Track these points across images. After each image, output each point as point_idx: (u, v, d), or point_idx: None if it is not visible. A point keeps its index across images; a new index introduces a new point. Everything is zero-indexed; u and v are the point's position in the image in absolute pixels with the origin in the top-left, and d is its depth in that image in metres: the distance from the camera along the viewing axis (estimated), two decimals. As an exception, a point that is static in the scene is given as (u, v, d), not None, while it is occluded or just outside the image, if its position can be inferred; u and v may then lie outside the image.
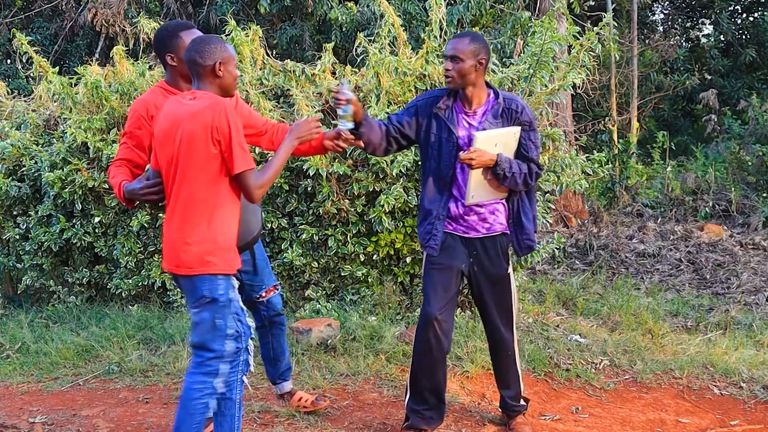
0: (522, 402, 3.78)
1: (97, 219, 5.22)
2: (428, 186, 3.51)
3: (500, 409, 3.83)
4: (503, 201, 3.55)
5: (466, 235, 3.51)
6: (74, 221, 5.32)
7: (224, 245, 2.94)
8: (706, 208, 9.19)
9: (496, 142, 3.39)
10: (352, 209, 4.96)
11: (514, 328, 3.68)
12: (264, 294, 3.59)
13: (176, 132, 2.88)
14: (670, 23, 15.52)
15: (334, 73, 5.59)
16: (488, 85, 3.51)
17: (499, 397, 3.79)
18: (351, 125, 3.35)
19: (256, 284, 3.56)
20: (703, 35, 15.27)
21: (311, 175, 4.84)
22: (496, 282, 3.55)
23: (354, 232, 4.99)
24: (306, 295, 5.14)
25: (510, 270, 3.61)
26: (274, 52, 6.49)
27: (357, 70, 5.55)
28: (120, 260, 5.24)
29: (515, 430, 3.72)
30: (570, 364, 4.57)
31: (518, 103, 3.50)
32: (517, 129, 3.46)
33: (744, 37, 14.35)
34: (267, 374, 3.84)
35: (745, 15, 14.93)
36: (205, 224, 2.90)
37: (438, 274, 3.50)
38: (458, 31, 7.75)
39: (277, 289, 3.69)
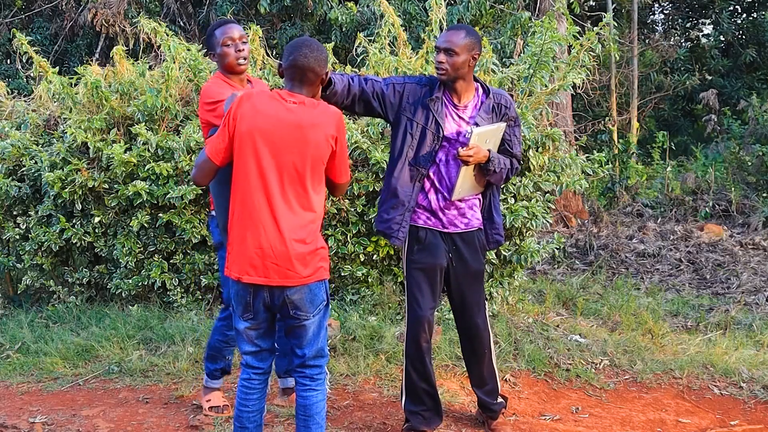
0: (500, 399, 3.76)
1: (97, 219, 5.22)
2: (401, 173, 3.41)
3: (479, 409, 3.80)
4: (479, 196, 3.56)
5: (445, 230, 3.49)
6: (74, 221, 5.32)
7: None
8: (706, 208, 9.19)
9: (487, 138, 3.40)
10: (352, 209, 4.96)
11: (489, 323, 3.68)
12: None
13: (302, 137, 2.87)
14: (670, 23, 15.52)
15: (334, 73, 5.59)
16: (475, 79, 3.50)
17: (476, 398, 3.76)
18: None
19: None
20: (703, 35, 15.26)
21: (311, 175, 4.84)
22: (474, 277, 3.56)
23: (354, 232, 4.99)
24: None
25: (484, 265, 3.64)
26: (274, 52, 6.49)
27: (357, 70, 5.55)
28: (120, 260, 5.24)
29: (496, 431, 3.71)
30: (570, 364, 4.57)
31: (507, 98, 3.51)
32: (503, 125, 3.47)
33: (744, 37, 14.34)
34: (275, 366, 3.85)
35: (745, 15, 14.93)
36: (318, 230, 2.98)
37: (422, 274, 3.49)
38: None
39: None
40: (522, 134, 4.50)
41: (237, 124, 2.87)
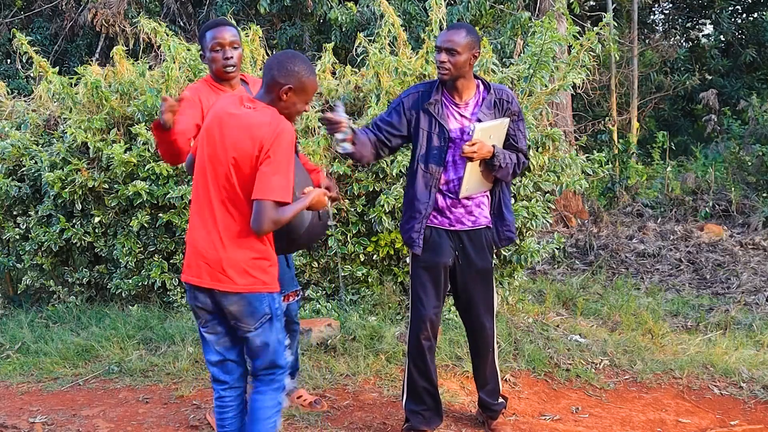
0: (500, 399, 3.76)
1: (97, 219, 5.22)
2: (417, 183, 3.44)
3: (479, 409, 3.80)
4: (488, 193, 3.55)
5: (452, 228, 3.48)
6: (74, 221, 5.32)
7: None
8: (706, 208, 9.20)
9: (491, 133, 3.39)
10: (352, 209, 4.96)
11: (495, 323, 3.66)
12: (282, 299, 3.53)
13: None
14: (670, 23, 15.52)
15: (334, 73, 5.60)
16: (475, 76, 3.50)
17: (478, 397, 3.77)
18: (351, 148, 3.27)
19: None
20: (703, 35, 15.27)
21: (311, 175, 4.84)
22: (481, 276, 3.53)
23: (354, 232, 4.99)
24: (306, 295, 5.14)
25: (493, 264, 3.61)
26: (274, 52, 6.48)
27: (357, 70, 5.55)
28: (120, 260, 5.24)
29: (496, 431, 3.72)
30: (570, 364, 4.57)
31: (508, 93, 3.50)
32: (507, 120, 3.46)
33: (744, 37, 14.34)
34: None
35: (745, 15, 14.93)
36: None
37: (427, 273, 3.49)
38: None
39: (298, 295, 3.64)
40: None
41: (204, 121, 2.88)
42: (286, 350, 2.89)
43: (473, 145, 3.30)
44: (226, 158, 2.70)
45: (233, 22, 3.60)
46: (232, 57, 3.40)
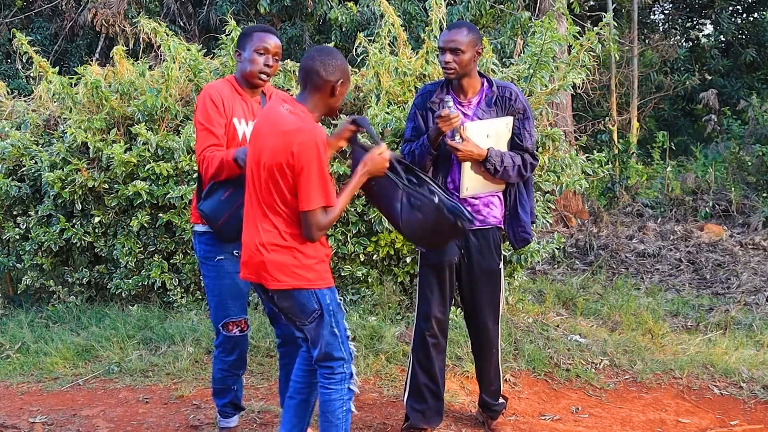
0: (501, 400, 3.76)
1: (97, 219, 5.22)
2: None
3: (479, 409, 3.80)
4: (499, 194, 3.52)
5: None
6: (74, 221, 5.32)
7: None
8: (706, 208, 9.20)
9: (487, 132, 3.36)
10: (352, 209, 4.96)
11: (500, 324, 3.66)
12: None
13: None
14: (670, 23, 15.52)
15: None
16: (480, 74, 3.50)
17: (479, 396, 3.77)
18: (462, 140, 3.31)
19: None
20: (703, 35, 15.27)
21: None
22: (487, 276, 3.52)
23: (354, 232, 4.99)
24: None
25: (501, 265, 3.59)
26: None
27: (357, 70, 5.55)
28: (120, 260, 5.24)
29: (496, 431, 3.71)
30: (570, 364, 4.57)
31: (512, 90, 3.47)
32: (509, 119, 3.43)
33: (744, 37, 14.35)
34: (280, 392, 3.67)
35: (745, 15, 14.94)
36: None
37: (432, 272, 3.48)
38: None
39: None
40: None
41: None
42: (348, 341, 2.95)
43: (457, 142, 3.29)
44: (265, 164, 2.78)
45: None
46: (271, 66, 3.28)
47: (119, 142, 5.10)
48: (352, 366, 2.96)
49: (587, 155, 5.39)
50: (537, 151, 5.06)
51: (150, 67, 5.62)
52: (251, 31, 3.32)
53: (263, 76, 3.28)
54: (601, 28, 5.28)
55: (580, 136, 10.24)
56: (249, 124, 3.28)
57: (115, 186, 5.10)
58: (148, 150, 5.04)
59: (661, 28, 15.60)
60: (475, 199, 3.46)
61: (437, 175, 3.43)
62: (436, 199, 2.92)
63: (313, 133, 2.73)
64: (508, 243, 3.67)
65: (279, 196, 2.78)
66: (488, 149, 3.34)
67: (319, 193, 2.74)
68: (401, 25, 5.59)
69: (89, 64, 5.75)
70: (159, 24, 5.55)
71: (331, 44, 5.70)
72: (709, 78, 13.15)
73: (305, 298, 2.85)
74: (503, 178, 3.41)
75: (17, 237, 5.47)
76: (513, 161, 3.40)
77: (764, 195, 9.46)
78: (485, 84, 3.48)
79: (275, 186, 2.77)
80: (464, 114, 3.42)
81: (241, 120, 3.28)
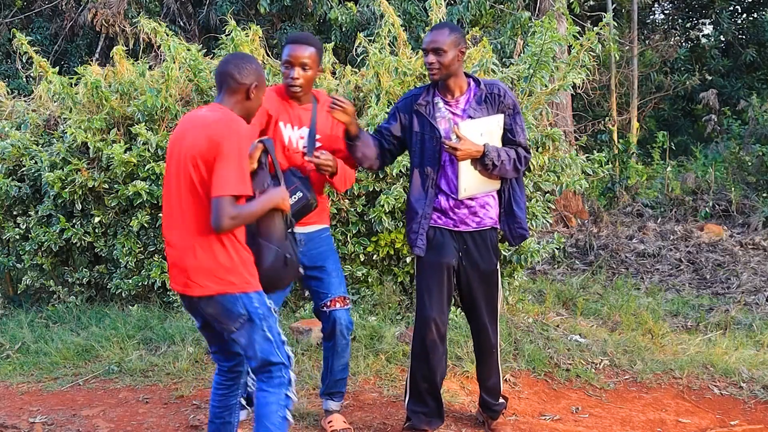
0: (501, 400, 3.76)
1: (97, 219, 5.22)
2: (414, 184, 3.47)
3: (480, 408, 3.80)
4: (494, 194, 3.53)
5: (456, 229, 3.47)
6: (74, 221, 5.32)
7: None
8: (706, 208, 9.20)
9: (481, 131, 3.37)
10: (352, 209, 4.96)
11: (498, 325, 3.66)
12: (328, 303, 3.49)
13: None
14: (670, 23, 15.53)
15: (334, 73, 5.60)
16: (466, 74, 3.50)
17: (479, 396, 3.77)
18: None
19: (321, 291, 3.50)
20: (703, 35, 15.27)
21: (311, 175, 4.84)
22: (485, 277, 3.52)
23: (354, 232, 4.99)
24: (306, 295, 5.14)
25: (498, 265, 3.60)
26: (274, 52, 6.49)
27: (357, 70, 5.55)
28: (120, 260, 5.24)
29: (496, 431, 3.72)
30: (570, 364, 4.57)
31: (500, 87, 3.48)
32: (500, 117, 3.44)
33: (744, 37, 14.35)
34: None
35: (745, 15, 14.94)
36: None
37: (430, 273, 3.48)
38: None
39: (347, 304, 3.53)
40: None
41: None
42: (283, 345, 2.86)
43: (455, 142, 3.30)
44: (186, 156, 2.74)
45: (316, 40, 3.42)
46: (297, 78, 3.30)
47: (119, 142, 5.10)
48: (291, 372, 2.87)
49: (587, 155, 5.39)
50: (537, 151, 5.06)
51: (150, 67, 5.62)
52: (285, 42, 3.39)
53: (294, 89, 3.32)
54: (601, 28, 5.28)
55: (580, 136, 10.25)
56: (295, 129, 3.38)
57: (115, 186, 5.10)
58: (148, 150, 5.05)
59: (661, 28, 15.61)
60: (472, 200, 3.46)
61: (430, 180, 3.43)
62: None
63: (235, 122, 2.74)
64: (507, 243, 3.65)
65: (202, 188, 2.71)
66: (485, 145, 3.35)
67: (233, 180, 2.65)
68: (401, 25, 5.59)
69: (89, 64, 5.75)
70: (159, 24, 5.55)
71: (331, 44, 5.69)
72: (709, 78, 13.15)
73: (230, 303, 2.76)
74: (500, 173, 3.41)
75: (17, 237, 5.47)
76: (508, 155, 3.41)
77: (764, 195, 9.46)
78: (472, 83, 3.49)
79: (198, 176, 2.71)
80: (453, 114, 3.43)
81: (287, 125, 3.37)
